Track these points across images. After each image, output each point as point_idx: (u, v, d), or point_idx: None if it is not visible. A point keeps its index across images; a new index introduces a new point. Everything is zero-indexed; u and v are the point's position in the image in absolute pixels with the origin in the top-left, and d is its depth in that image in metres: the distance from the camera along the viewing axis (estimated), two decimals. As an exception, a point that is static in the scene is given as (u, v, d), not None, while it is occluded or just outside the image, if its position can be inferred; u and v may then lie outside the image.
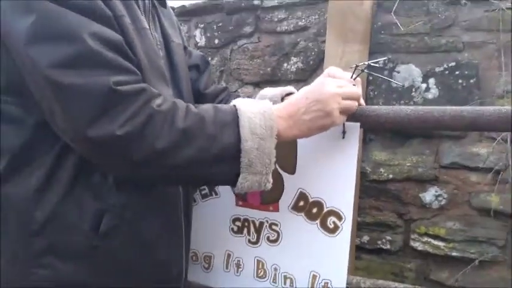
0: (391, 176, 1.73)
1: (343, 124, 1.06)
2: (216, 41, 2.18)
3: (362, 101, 1.06)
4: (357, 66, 1.07)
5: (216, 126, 0.88)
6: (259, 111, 0.92)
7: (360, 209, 1.78)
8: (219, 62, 2.17)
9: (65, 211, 0.91)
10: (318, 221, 1.12)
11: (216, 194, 1.27)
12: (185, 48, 1.29)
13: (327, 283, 1.11)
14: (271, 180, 0.96)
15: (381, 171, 1.75)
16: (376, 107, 1.07)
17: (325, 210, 1.11)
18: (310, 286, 1.13)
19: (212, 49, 2.19)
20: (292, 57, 1.95)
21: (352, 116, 1.04)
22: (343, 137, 1.08)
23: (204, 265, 1.30)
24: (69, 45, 0.81)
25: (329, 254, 1.11)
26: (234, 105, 0.93)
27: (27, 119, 0.91)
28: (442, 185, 1.66)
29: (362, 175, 1.76)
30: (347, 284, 1.09)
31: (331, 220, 1.11)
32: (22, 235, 0.92)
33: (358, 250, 1.80)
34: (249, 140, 0.89)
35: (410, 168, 1.70)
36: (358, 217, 1.78)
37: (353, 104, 1.00)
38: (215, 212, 1.27)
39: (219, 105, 0.95)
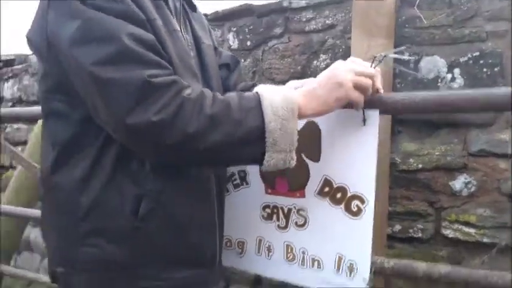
0: (420, 165, 1.75)
1: (363, 111, 1.11)
2: (248, 43, 2.26)
3: (380, 85, 1.10)
4: (375, 57, 1.12)
5: (241, 111, 0.95)
6: (280, 95, 0.98)
7: (390, 198, 1.80)
8: (251, 63, 2.24)
9: (107, 197, 0.99)
10: (342, 205, 1.16)
11: (247, 183, 1.34)
12: (215, 48, 1.37)
13: (352, 264, 1.15)
14: (295, 157, 1.01)
15: (411, 161, 1.77)
16: (394, 93, 1.12)
17: (349, 194, 1.15)
18: (336, 267, 1.17)
19: (245, 51, 2.27)
20: (321, 55, 2.00)
21: (370, 103, 1.09)
22: (364, 124, 1.12)
23: (238, 250, 1.36)
24: (109, 45, 0.90)
25: (353, 236, 1.15)
26: (257, 92, 1.00)
27: (73, 115, 1.01)
28: (471, 173, 1.67)
29: (392, 166, 1.79)
30: (371, 264, 1.13)
31: (354, 204, 1.14)
32: (70, 219, 1.01)
33: (390, 239, 1.82)
34: (272, 122, 0.95)
35: (439, 157, 1.71)
36: (389, 207, 1.80)
37: (366, 81, 1.03)
38: (246, 201, 1.33)
39: (243, 92, 1.02)
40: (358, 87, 1.02)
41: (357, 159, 1.14)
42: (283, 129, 0.96)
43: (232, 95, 0.99)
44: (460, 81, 1.67)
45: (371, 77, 1.05)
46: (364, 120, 1.12)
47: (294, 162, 1.02)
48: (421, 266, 1.10)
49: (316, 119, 1.18)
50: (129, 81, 0.89)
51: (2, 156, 4.05)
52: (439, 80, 1.71)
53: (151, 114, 0.88)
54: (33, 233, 3.81)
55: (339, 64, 1.05)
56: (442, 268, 1.08)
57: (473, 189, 1.67)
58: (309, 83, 1.05)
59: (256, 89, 1.02)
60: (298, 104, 0.99)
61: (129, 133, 0.92)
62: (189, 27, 1.21)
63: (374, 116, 1.11)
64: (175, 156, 0.96)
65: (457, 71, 1.68)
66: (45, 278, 2.06)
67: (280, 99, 0.97)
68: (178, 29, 1.10)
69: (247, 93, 1.00)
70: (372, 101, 1.08)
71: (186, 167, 1.07)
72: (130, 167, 1.01)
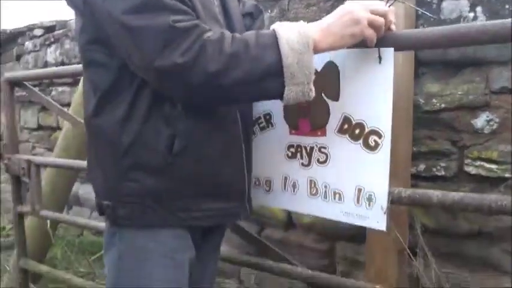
0: (443, 105, 1.76)
1: (378, 50, 1.14)
2: (273, -7, 2.28)
3: (393, 24, 1.12)
4: None
5: (259, 48, 1.00)
6: (295, 30, 1.02)
7: (414, 139, 1.82)
8: (278, 13, 2.26)
9: (144, 136, 1.08)
10: (360, 141, 1.21)
11: (272, 126, 1.40)
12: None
13: (371, 195, 1.21)
14: (313, 89, 1.06)
15: (434, 102, 1.78)
16: (407, 30, 1.14)
17: (367, 130, 1.20)
18: (356, 199, 1.24)
19: (271, 1, 2.29)
20: (345, 1, 2.00)
21: (385, 41, 1.12)
22: (380, 62, 1.16)
23: (266, 188, 1.44)
24: None
25: (372, 169, 1.20)
26: (273, 29, 1.04)
27: (111, 63, 1.09)
28: (493, 110, 1.67)
29: (415, 107, 1.81)
30: (389, 193, 1.18)
31: (372, 139, 1.19)
32: (113, 156, 1.11)
33: (414, 178, 1.86)
34: (289, 57, 0.99)
35: (462, 96, 1.72)
36: (413, 147, 1.84)
37: (380, 19, 1.06)
38: (272, 142, 1.40)
39: (260, 31, 1.06)
40: (372, 25, 1.06)
41: (373, 95, 1.18)
42: (300, 63, 1.01)
43: (250, 34, 1.04)
44: (482, 19, 1.65)
45: (384, 15, 1.08)
46: (380, 58, 1.15)
47: (312, 94, 1.06)
48: (435, 194, 1.15)
49: (335, 60, 1.22)
50: (155, 27, 0.96)
51: (50, 118, 4.26)
52: (462, 20, 1.70)
53: (176, 57, 0.95)
54: (82, 189, 4.04)
55: (354, 2, 1.08)
56: (456, 195, 1.12)
57: (495, 126, 1.67)
58: (325, 19, 1.09)
59: (272, 26, 1.06)
60: (314, 39, 1.03)
61: (158, 76, 0.99)
62: None
63: (389, 53, 1.14)
64: (200, 95, 1.03)
65: (479, 9, 1.66)
66: (95, 223, 2.23)
67: (295, 34, 1.01)
68: None
69: (264, 31, 1.05)
70: (386, 38, 1.12)
71: (213, 107, 1.13)
72: (163, 109, 1.08)
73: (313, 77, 1.04)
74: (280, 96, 1.04)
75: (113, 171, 1.12)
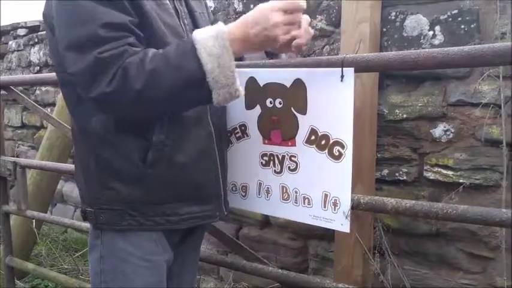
0: (405, 115, 1.87)
1: (342, 69, 1.25)
2: (252, 6, 2.37)
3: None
4: None
5: (178, 57, 1.03)
6: (212, 35, 1.05)
7: (378, 146, 1.93)
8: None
9: (121, 148, 1.16)
10: (326, 151, 1.31)
11: (247, 136, 1.49)
12: (209, 15, 1.48)
13: (336, 199, 1.31)
14: (239, 88, 1.09)
15: (397, 112, 1.89)
16: (365, 54, 1.25)
17: (331, 141, 1.29)
18: (323, 203, 1.34)
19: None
20: (317, 16, 2.11)
21: (347, 63, 1.23)
22: (342, 81, 1.27)
23: (242, 194, 1.53)
24: (82, 29, 1.03)
25: (336, 176, 1.30)
26: (192, 36, 1.06)
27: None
28: (449, 121, 1.79)
29: (380, 116, 1.91)
30: (351, 200, 1.30)
31: (336, 149, 1.29)
32: (95, 167, 1.19)
33: (379, 182, 1.97)
34: (209, 63, 1.02)
35: (422, 107, 1.83)
36: (378, 153, 1.95)
37: (293, 19, 1.11)
38: (247, 151, 1.48)
39: (181, 40, 1.12)
40: (287, 24, 1.10)
41: (336, 110, 1.27)
42: (221, 66, 1.03)
43: (172, 45, 1.08)
44: (440, 37, 1.77)
45: (296, 10, 1.11)
46: (342, 77, 1.26)
47: (239, 93, 1.09)
48: (390, 201, 1.26)
49: (302, 77, 1.32)
50: (85, 64, 1.02)
51: (34, 117, 4.28)
52: (422, 37, 1.82)
53: (104, 87, 1.02)
54: (66, 187, 4.07)
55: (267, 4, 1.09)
56: (408, 202, 1.23)
57: (451, 135, 1.79)
58: (241, 23, 1.10)
59: (194, 32, 1.08)
60: (231, 39, 1.05)
61: (97, 104, 1.07)
62: (183, 1, 1.31)
63: (350, 73, 1.24)
64: (138, 111, 1.08)
65: (437, 28, 1.77)
66: (79, 223, 2.29)
67: (212, 38, 1.04)
68: (167, 2, 1.20)
69: (184, 40, 1.10)
70: (348, 60, 1.23)
71: (155, 118, 1.16)
72: (136, 124, 1.15)
73: (236, 76, 1.06)
74: (210, 101, 1.08)
75: (94, 181, 1.20)
